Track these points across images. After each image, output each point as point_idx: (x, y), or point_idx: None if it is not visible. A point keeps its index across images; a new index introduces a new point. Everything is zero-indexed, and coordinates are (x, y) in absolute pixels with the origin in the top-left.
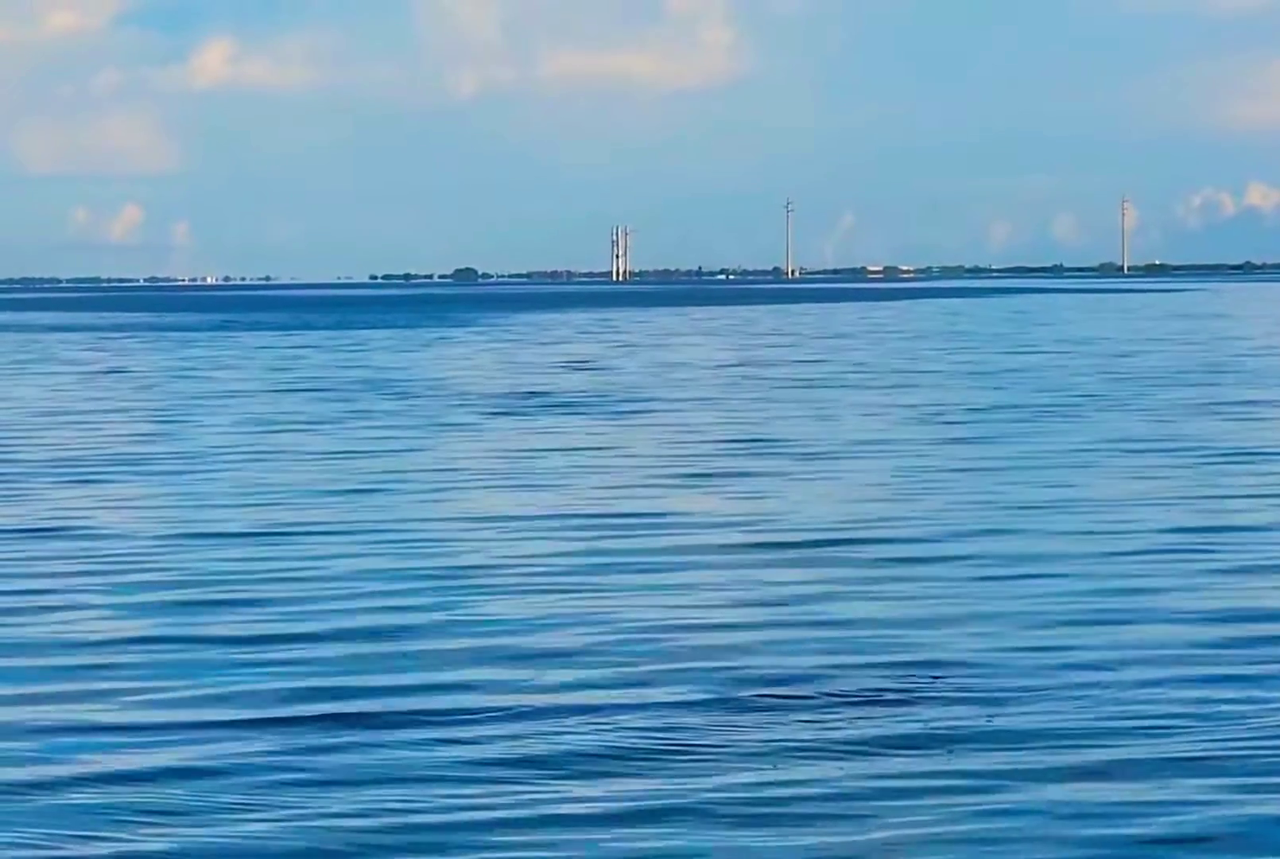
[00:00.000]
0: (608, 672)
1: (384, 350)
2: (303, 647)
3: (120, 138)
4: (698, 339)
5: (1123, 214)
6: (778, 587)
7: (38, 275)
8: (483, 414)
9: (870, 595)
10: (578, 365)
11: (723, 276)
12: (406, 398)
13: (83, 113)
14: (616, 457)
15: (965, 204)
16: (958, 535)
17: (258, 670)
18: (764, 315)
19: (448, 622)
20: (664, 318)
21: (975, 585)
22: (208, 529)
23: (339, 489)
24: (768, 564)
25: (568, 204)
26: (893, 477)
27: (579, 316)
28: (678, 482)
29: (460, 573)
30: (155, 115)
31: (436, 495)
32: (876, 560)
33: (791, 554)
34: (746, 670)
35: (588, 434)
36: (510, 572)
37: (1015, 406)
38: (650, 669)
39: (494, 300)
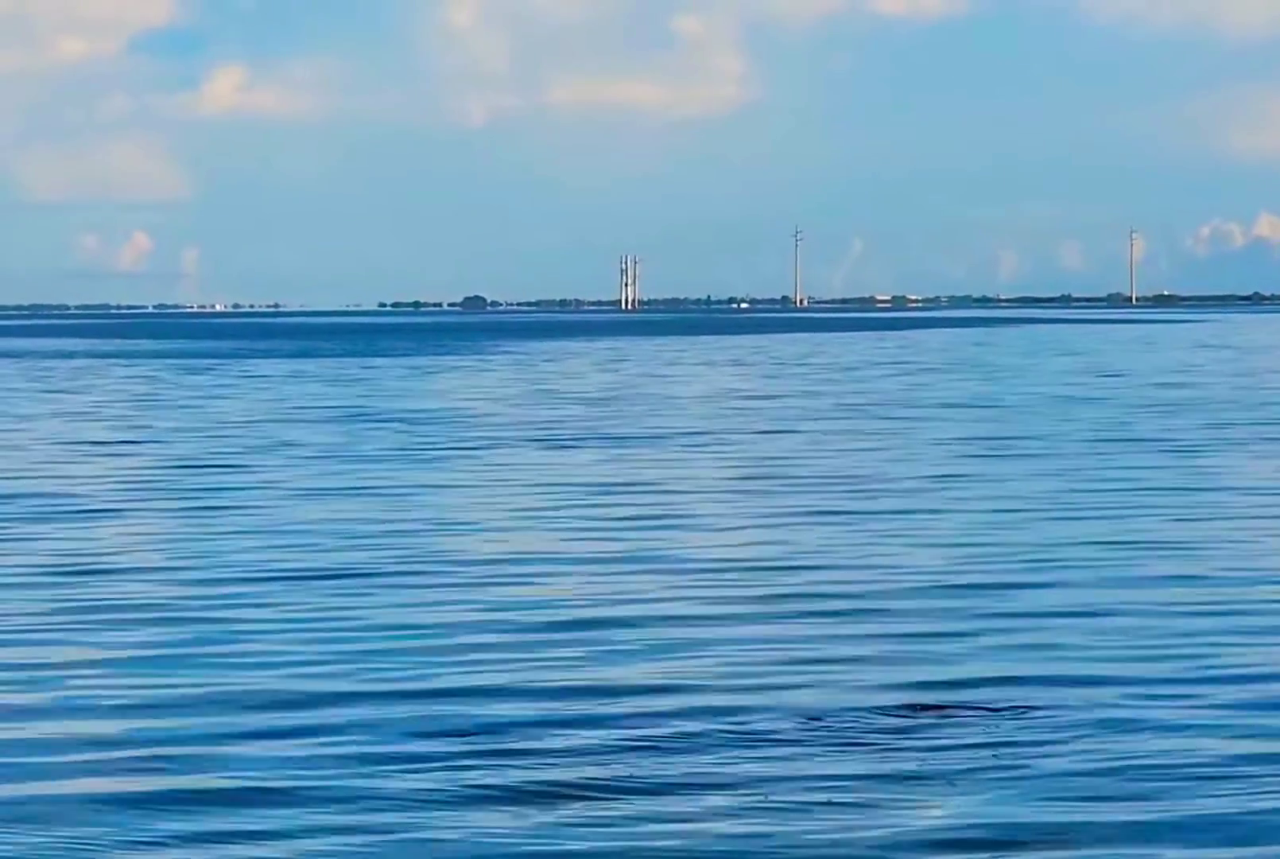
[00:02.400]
0: None
1: (408, 378)
2: None
3: (129, 165)
4: (732, 368)
5: (1131, 244)
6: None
7: (46, 302)
8: (548, 447)
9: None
10: (612, 396)
11: (734, 305)
12: (469, 429)
13: (92, 140)
14: (714, 495)
15: (973, 233)
16: None
17: None
18: (783, 344)
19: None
20: (682, 347)
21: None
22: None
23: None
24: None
25: (577, 232)
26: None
27: (598, 345)
28: (794, 520)
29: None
30: (165, 142)
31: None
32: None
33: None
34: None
35: (665, 469)
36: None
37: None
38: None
39: (505, 328)
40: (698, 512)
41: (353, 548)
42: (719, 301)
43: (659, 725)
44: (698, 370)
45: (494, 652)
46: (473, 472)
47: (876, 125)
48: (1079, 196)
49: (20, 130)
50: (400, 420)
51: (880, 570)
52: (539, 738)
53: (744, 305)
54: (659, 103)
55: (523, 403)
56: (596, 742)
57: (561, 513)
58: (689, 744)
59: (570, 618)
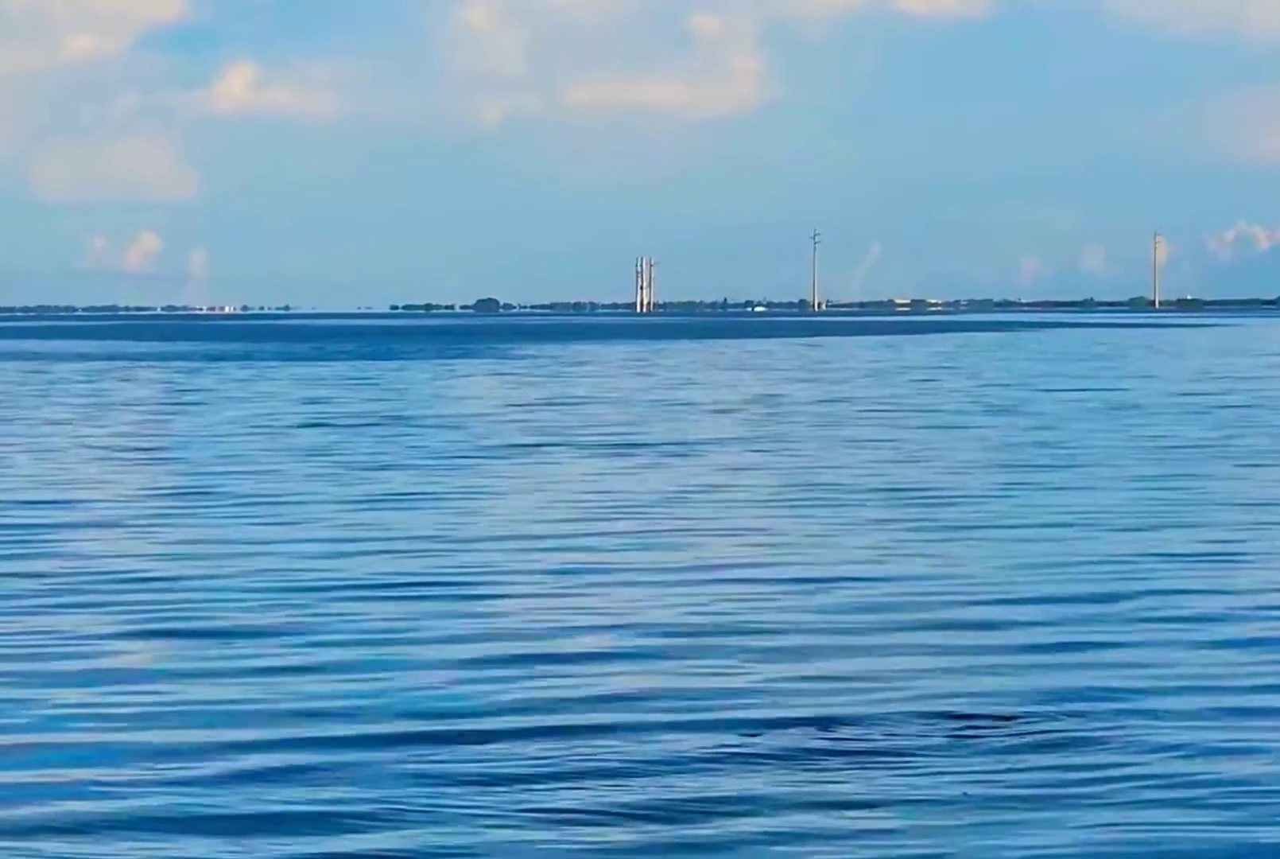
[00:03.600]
0: None
1: (429, 380)
2: None
3: (139, 164)
4: (764, 373)
5: (1154, 247)
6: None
7: (54, 303)
8: (609, 456)
9: None
10: (659, 400)
11: (749, 308)
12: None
13: (102, 138)
14: (790, 507)
15: (994, 236)
16: None
17: None
18: (808, 349)
19: None
20: (702, 351)
21: None
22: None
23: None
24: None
25: (591, 234)
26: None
27: (618, 349)
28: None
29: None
30: (175, 141)
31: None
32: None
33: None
34: None
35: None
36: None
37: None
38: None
39: (519, 331)
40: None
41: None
42: (734, 305)
43: (788, 738)
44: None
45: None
46: (529, 478)
47: (897, 126)
48: (1102, 199)
49: (29, 129)
50: (440, 425)
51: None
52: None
53: (759, 309)
54: (677, 103)
55: (553, 407)
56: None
57: (627, 522)
58: (845, 762)
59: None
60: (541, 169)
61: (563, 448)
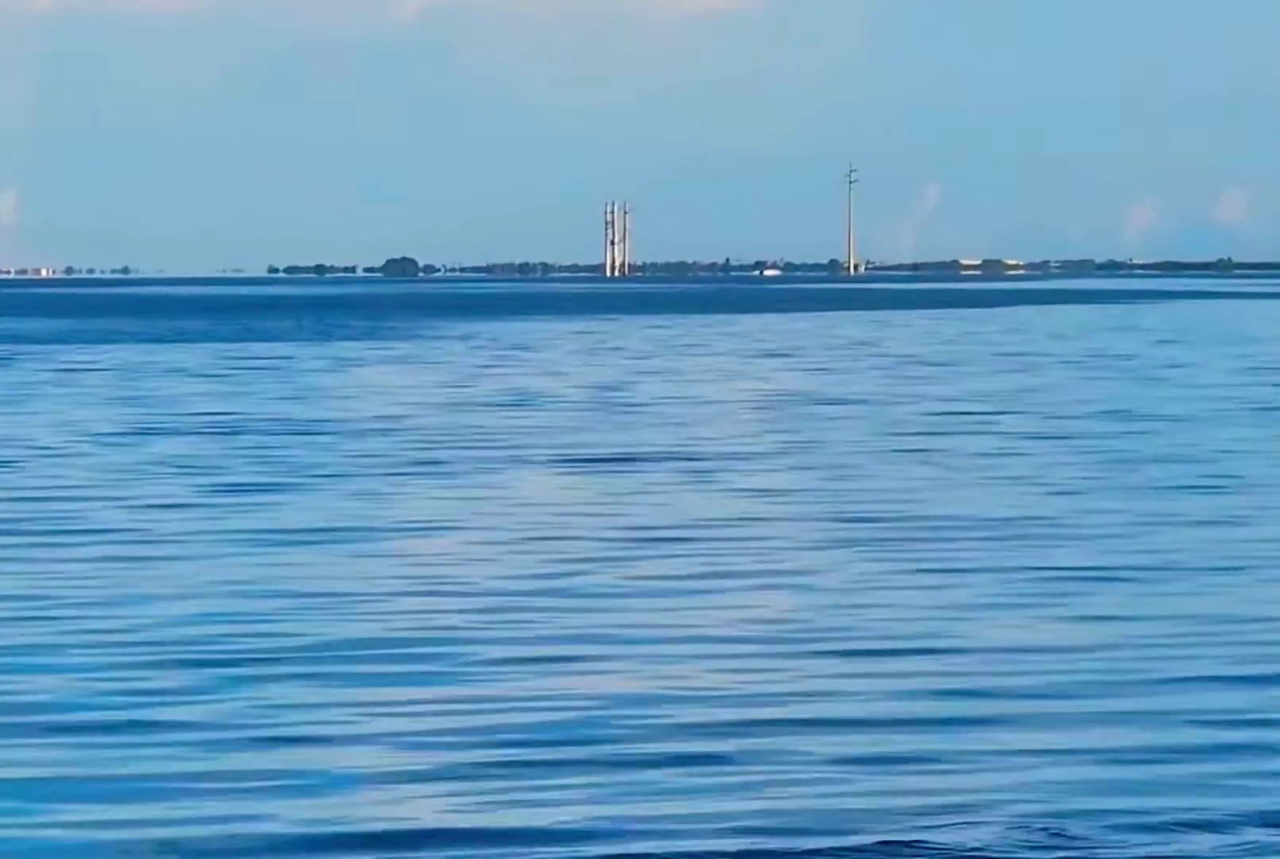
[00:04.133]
0: None
1: (321, 371)
2: None
3: None
4: (787, 361)
5: None
6: None
7: None
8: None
9: None
10: (641, 401)
11: (757, 272)
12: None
13: None
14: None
15: (1097, 177)
16: None
17: None
18: (844, 325)
19: None
20: (702, 329)
21: None
22: None
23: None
24: None
25: (544, 172)
26: None
27: (581, 327)
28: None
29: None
30: None
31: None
32: None
33: None
34: None
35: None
36: None
37: None
38: None
39: (445, 304)
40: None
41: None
42: (740, 267)
43: None
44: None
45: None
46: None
47: (965, 27)
48: (1242, 129)
49: None
50: (339, 433)
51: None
52: None
53: (770, 273)
54: None
55: (503, 408)
56: None
57: (607, 565)
58: None
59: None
60: (475, 82)
61: (513, 464)
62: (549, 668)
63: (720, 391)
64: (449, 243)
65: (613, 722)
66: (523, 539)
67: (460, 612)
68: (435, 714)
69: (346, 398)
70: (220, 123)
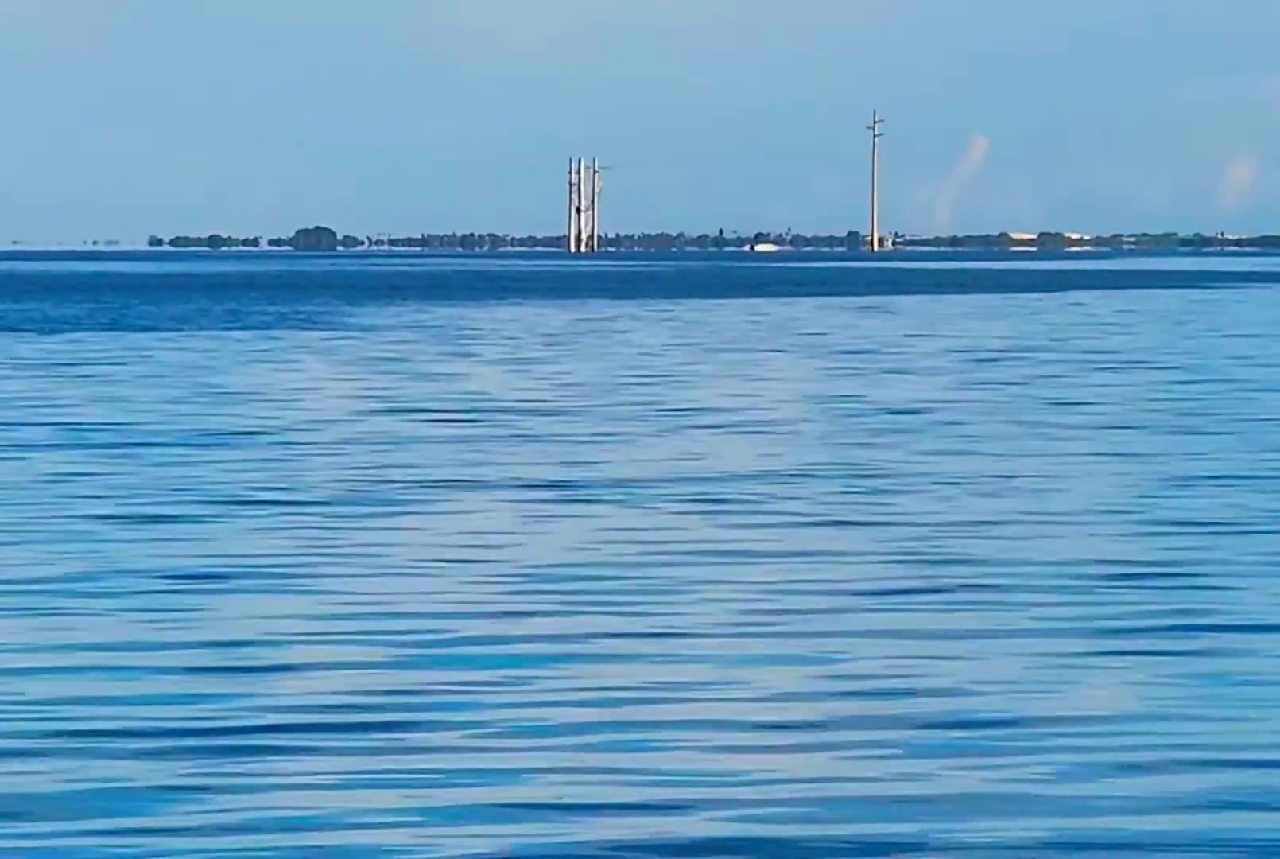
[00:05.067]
0: None
1: (219, 366)
2: None
3: None
4: (812, 358)
5: None
6: None
7: None
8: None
9: None
10: (638, 403)
11: (747, 247)
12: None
13: None
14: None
15: (1180, 130)
16: None
17: None
18: (873, 315)
19: None
20: (701, 314)
21: None
22: None
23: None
24: None
25: (493, 121)
26: None
27: (542, 313)
28: None
29: None
30: None
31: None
32: None
33: None
34: None
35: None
36: None
37: None
38: None
39: (368, 284)
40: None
41: None
42: (737, 240)
43: None
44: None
45: None
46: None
47: None
48: None
49: None
50: (244, 444)
51: None
52: None
53: (764, 248)
54: None
55: (439, 414)
56: None
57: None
58: None
59: None
60: (407, 11)
61: (474, 490)
62: None
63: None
64: (374, 210)
65: None
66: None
67: None
68: None
69: (259, 402)
70: (89, 60)
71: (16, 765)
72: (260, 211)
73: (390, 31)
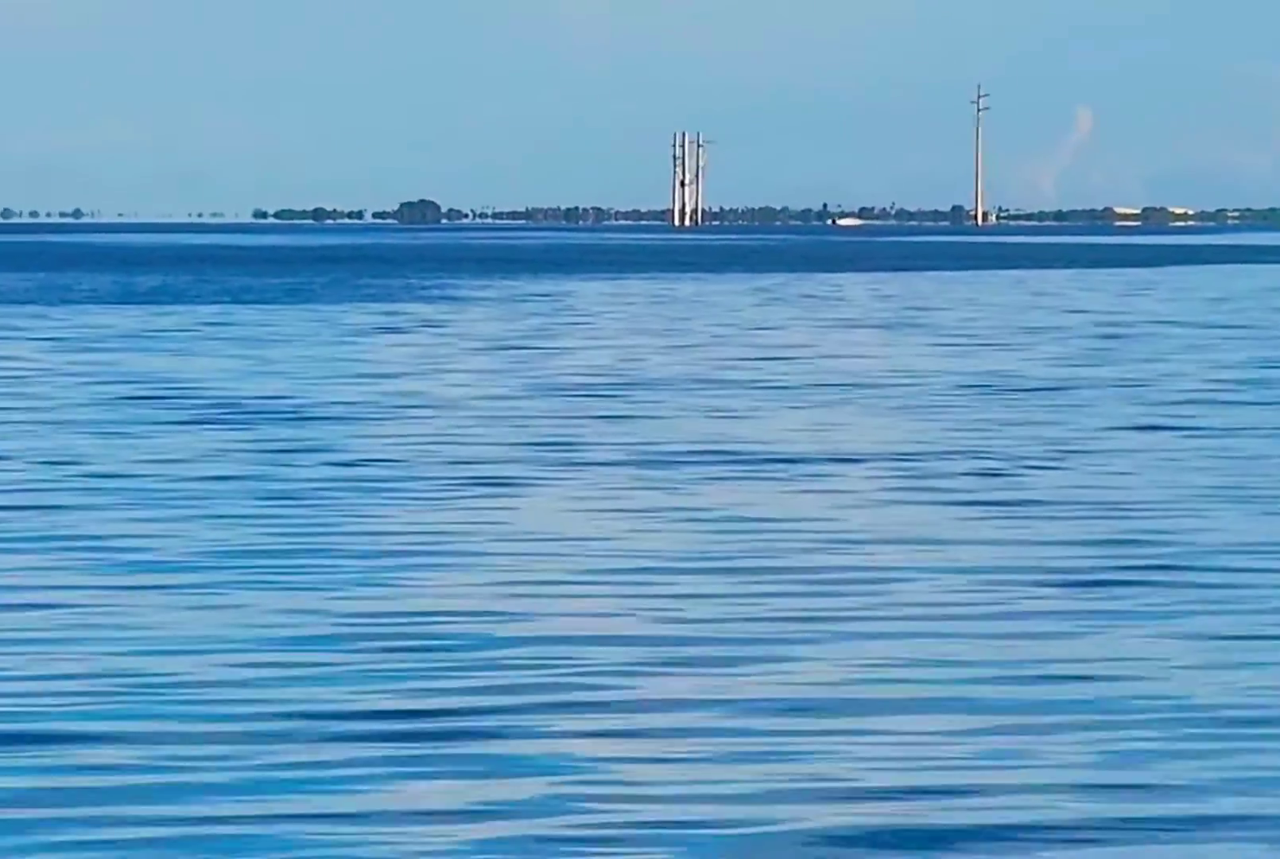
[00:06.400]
0: None
1: (326, 342)
2: None
3: None
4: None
5: None
6: None
7: None
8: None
9: None
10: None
11: (827, 221)
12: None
13: None
14: None
15: None
16: None
17: None
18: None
19: None
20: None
21: None
22: None
23: None
24: None
25: (598, 96)
26: None
27: (658, 286)
28: None
29: None
30: None
31: None
32: None
33: None
34: None
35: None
36: None
37: None
38: None
39: (473, 256)
40: None
41: None
42: (836, 213)
43: None
44: None
45: None
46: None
47: None
48: None
49: None
50: (352, 417)
51: None
52: None
53: (846, 223)
54: None
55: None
56: None
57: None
58: None
59: None
60: None
61: (637, 467)
62: None
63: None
64: (479, 183)
65: None
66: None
67: None
68: None
69: (377, 375)
70: (197, 34)
71: (211, 751)
72: (365, 184)
73: (495, 4)
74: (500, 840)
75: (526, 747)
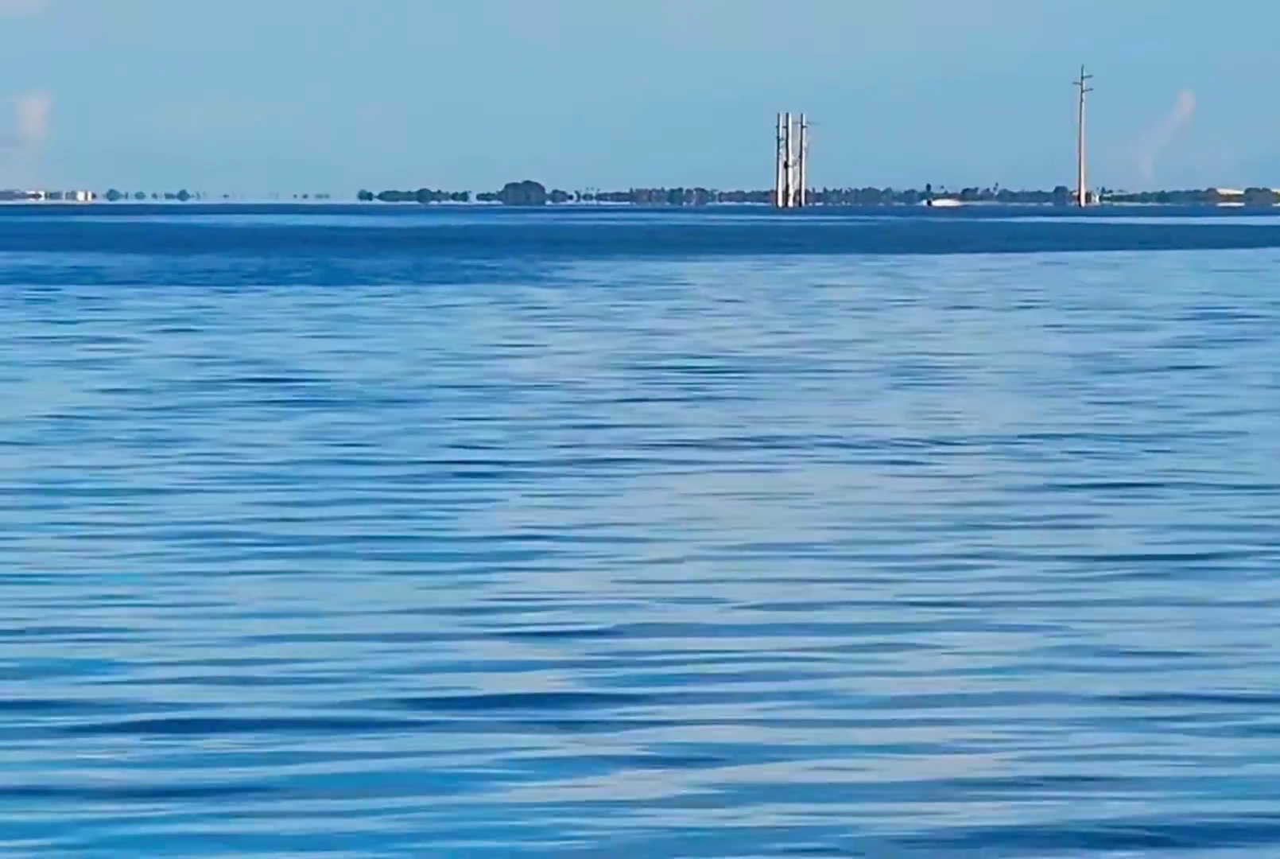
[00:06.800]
0: None
1: (433, 321)
2: None
3: None
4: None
5: None
6: None
7: None
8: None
9: None
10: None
11: (923, 201)
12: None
13: None
14: None
15: None
16: None
17: None
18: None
19: None
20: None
21: None
22: None
23: None
24: None
25: (701, 76)
26: None
27: (762, 267)
28: None
29: None
30: None
31: None
32: None
33: None
34: None
35: None
36: None
37: None
38: None
39: (578, 238)
40: None
41: None
42: (944, 195)
43: None
44: None
45: None
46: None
47: None
48: None
49: None
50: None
51: None
52: None
53: (941, 204)
54: None
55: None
56: None
57: None
58: None
59: None
60: None
61: (761, 448)
62: None
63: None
64: (584, 164)
65: None
66: None
67: None
68: None
69: (490, 356)
70: (303, 16)
71: (364, 737)
72: (469, 165)
73: None
74: (661, 828)
75: (670, 734)
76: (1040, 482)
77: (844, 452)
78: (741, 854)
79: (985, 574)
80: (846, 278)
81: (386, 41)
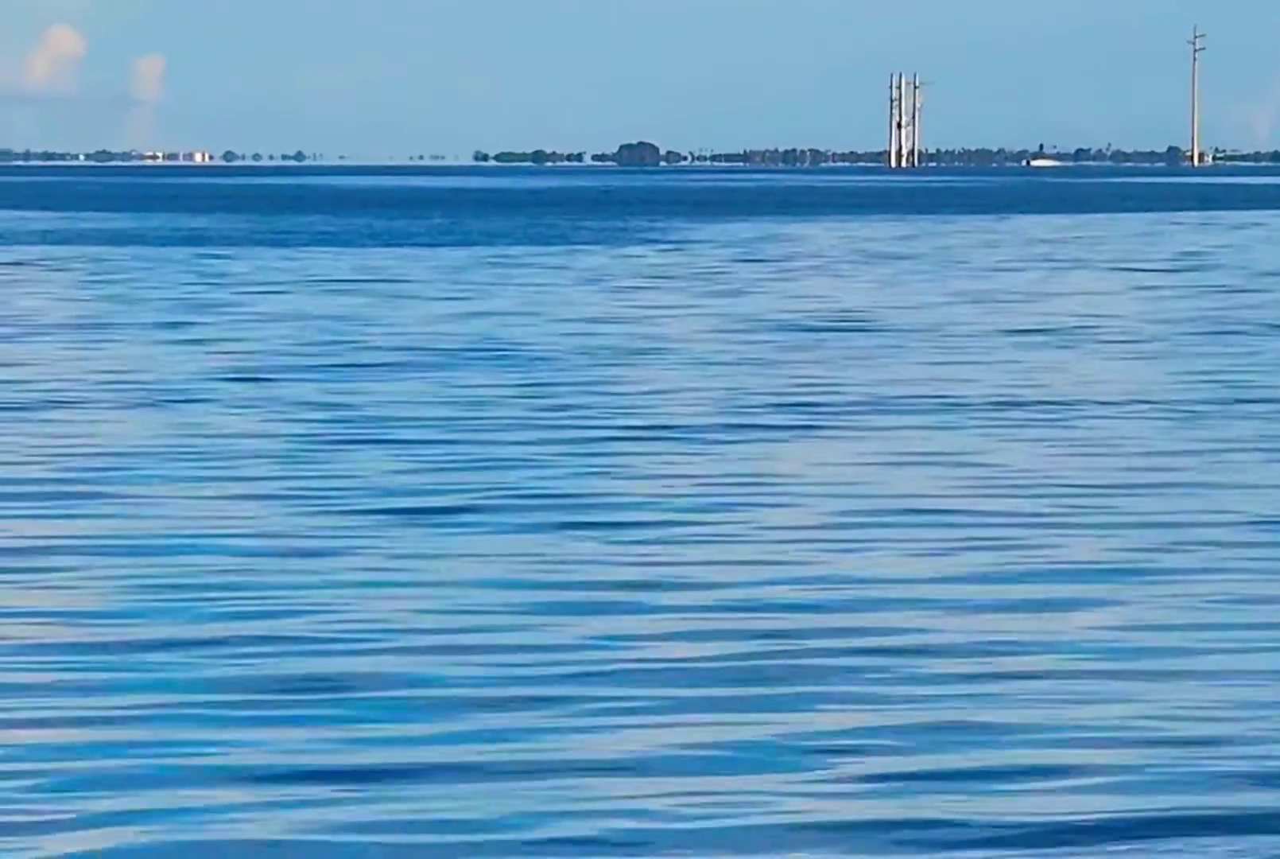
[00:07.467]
0: None
1: (563, 284)
2: None
3: None
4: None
5: None
6: None
7: None
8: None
9: None
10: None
11: (1023, 161)
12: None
13: None
14: None
15: None
16: None
17: None
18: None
19: None
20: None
21: None
22: None
23: None
24: None
25: (815, 37)
26: None
27: (881, 229)
28: None
29: None
30: None
31: None
32: None
33: None
34: None
35: None
36: None
37: None
38: None
39: (692, 199)
40: None
41: None
42: (1057, 155)
43: None
44: None
45: None
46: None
47: None
48: None
49: None
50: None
51: None
52: None
53: (1040, 163)
54: None
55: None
56: None
57: None
58: None
59: None
60: None
61: (898, 413)
62: None
63: None
64: (697, 126)
65: None
66: None
67: None
68: None
69: (615, 322)
70: None
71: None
72: (584, 127)
73: None
74: (847, 779)
75: (848, 689)
76: (1188, 445)
77: (978, 414)
78: None
79: (1156, 534)
80: (957, 237)
81: (500, 4)
